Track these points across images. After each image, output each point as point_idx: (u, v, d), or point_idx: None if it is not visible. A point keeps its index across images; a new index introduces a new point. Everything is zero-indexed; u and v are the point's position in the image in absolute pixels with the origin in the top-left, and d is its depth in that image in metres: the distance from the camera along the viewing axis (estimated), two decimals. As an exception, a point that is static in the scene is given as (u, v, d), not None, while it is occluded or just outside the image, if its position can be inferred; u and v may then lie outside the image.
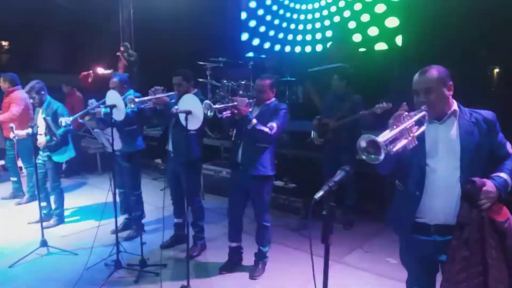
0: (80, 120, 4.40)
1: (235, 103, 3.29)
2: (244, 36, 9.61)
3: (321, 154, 4.96)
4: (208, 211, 4.47)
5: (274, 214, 4.85)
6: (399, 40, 6.90)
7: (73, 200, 5.99)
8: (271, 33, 9.22)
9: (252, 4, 9.52)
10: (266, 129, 3.35)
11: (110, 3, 10.13)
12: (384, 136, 1.84)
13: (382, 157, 1.79)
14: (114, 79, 4.35)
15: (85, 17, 9.89)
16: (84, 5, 9.62)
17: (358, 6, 7.60)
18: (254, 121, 3.34)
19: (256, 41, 9.42)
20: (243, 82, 7.08)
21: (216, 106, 3.29)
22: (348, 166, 2.07)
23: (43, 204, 4.95)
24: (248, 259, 3.85)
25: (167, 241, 4.31)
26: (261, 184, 3.57)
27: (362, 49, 7.08)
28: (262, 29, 9.38)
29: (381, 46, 7.17)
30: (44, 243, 4.21)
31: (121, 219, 4.75)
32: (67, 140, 4.77)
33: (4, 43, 11.08)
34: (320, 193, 1.91)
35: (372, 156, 1.85)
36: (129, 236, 4.56)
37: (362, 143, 1.86)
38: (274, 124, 3.40)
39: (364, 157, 1.89)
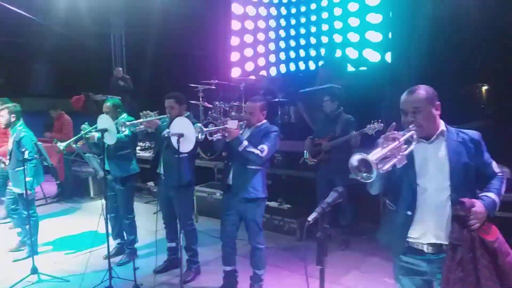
0: (74, 146, 4.36)
1: (226, 126, 3.30)
2: (235, 57, 9.69)
3: (314, 174, 4.95)
4: (202, 234, 4.42)
5: (268, 236, 4.81)
6: (388, 58, 7.02)
7: (65, 225, 5.92)
8: (261, 55, 9.34)
9: (243, 33, 9.62)
10: (257, 151, 3.36)
11: (101, 26, 10.23)
12: (375, 154, 1.86)
13: (374, 175, 1.81)
14: (107, 103, 4.36)
15: (77, 41, 9.96)
16: (76, 29, 9.71)
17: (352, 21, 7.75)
18: (245, 143, 3.34)
19: (247, 64, 9.52)
20: (235, 104, 7.13)
21: (207, 129, 3.29)
22: (341, 187, 2.09)
23: (18, 230, 4.88)
24: (243, 282, 3.78)
25: (161, 265, 4.24)
26: (253, 206, 3.54)
27: (351, 69, 7.19)
28: (250, 52, 9.47)
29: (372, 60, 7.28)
30: (34, 270, 4.12)
31: (114, 244, 4.67)
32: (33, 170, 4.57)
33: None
34: (314, 215, 1.94)
35: (364, 174, 1.87)
36: (122, 261, 4.48)
37: (354, 162, 1.88)
38: (265, 147, 3.40)
39: (356, 176, 1.90)
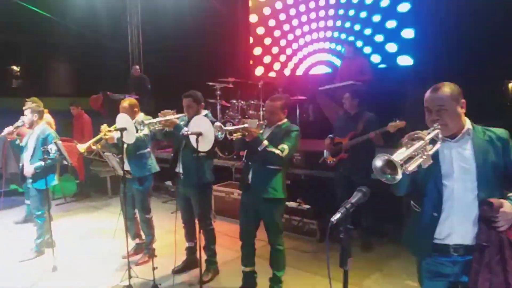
0: (93, 147, 4.37)
1: (246, 125, 3.24)
2: (254, 53, 9.65)
3: (334, 174, 4.86)
4: (220, 234, 4.39)
5: (287, 237, 4.74)
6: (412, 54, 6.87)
7: (83, 224, 5.97)
8: (281, 54, 9.28)
9: (260, 31, 9.60)
10: (277, 151, 3.28)
11: (118, 25, 10.32)
12: (399, 155, 1.81)
13: (399, 176, 1.76)
14: (124, 103, 4.35)
15: (95, 40, 10.07)
16: (94, 28, 9.81)
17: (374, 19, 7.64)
18: (265, 142, 3.28)
19: (266, 60, 9.48)
20: (253, 102, 7.08)
21: (227, 128, 3.24)
22: (364, 187, 2.02)
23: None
24: (262, 284, 3.72)
25: (179, 265, 4.22)
26: (273, 207, 3.48)
27: (382, 66, 7.06)
28: (267, 58, 9.43)
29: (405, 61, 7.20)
30: (55, 268, 4.18)
31: (132, 243, 4.67)
32: (54, 167, 4.72)
33: (15, 68, 11.31)
34: (337, 216, 1.91)
35: (389, 176, 1.82)
36: (141, 260, 4.48)
37: (378, 163, 1.82)
38: (285, 146, 3.32)
39: (380, 177, 1.85)
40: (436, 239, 2.11)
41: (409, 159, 1.86)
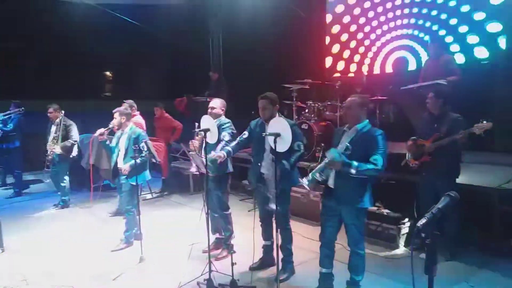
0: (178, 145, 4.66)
1: (327, 159, 3.28)
2: (328, 61, 9.59)
3: (416, 177, 4.65)
4: (296, 235, 4.41)
5: (366, 241, 4.64)
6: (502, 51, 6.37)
7: (168, 219, 6.33)
8: (357, 54, 9.10)
9: (335, 29, 9.50)
10: (371, 166, 3.21)
11: (200, 32, 10.81)
12: None
13: None
14: (213, 104, 4.59)
15: (178, 46, 10.62)
16: (177, 35, 10.38)
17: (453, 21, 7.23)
18: (355, 164, 3.21)
19: (345, 55, 9.36)
20: (329, 103, 7.00)
21: (313, 173, 3.39)
22: (453, 192, 1.95)
23: None
24: (339, 286, 3.69)
25: (257, 262, 4.33)
26: (355, 212, 3.43)
27: (460, 61, 6.68)
28: (347, 53, 9.31)
29: (482, 54, 6.72)
30: (142, 259, 4.49)
31: (212, 238, 4.85)
32: (146, 164, 5.06)
33: (108, 73, 12.35)
34: (424, 221, 1.87)
35: None
36: (220, 255, 4.66)
37: None
38: (377, 157, 3.23)
39: None
40: None
41: None
